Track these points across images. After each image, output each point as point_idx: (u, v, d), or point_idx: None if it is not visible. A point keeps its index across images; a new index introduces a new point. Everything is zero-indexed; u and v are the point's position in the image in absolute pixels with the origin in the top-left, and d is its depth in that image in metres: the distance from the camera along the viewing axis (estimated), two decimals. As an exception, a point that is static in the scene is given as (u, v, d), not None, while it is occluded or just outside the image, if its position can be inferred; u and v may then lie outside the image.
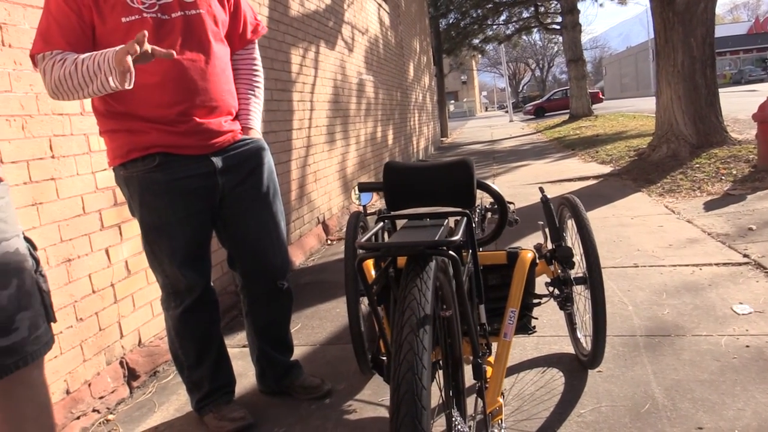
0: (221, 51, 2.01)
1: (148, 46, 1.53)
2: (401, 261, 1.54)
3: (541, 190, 2.29)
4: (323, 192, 5.64)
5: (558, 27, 21.99)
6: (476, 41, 24.43)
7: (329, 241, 5.47)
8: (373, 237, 1.40)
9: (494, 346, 1.88)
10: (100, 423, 2.35)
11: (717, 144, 7.19)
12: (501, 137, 19.27)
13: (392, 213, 1.56)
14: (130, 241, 2.69)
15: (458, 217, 1.39)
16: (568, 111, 22.74)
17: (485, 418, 1.37)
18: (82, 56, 1.69)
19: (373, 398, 2.31)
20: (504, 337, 1.57)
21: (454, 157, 1.62)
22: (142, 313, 2.76)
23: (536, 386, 2.26)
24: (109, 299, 2.54)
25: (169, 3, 1.86)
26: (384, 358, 1.71)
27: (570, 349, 2.54)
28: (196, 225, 2.01)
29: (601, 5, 24.64)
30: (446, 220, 1.47)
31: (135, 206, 1.99)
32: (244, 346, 2.82)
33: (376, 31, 8.77)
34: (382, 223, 1.51)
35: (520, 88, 75.75)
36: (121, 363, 2.57)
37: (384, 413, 2.19)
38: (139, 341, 2.73)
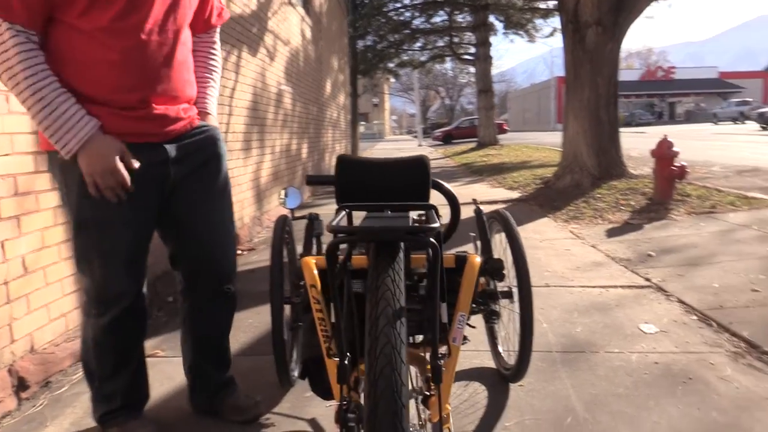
0: (187, 37, 1.88)
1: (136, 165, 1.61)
2: (356, 260, 1.48)
3: (475, 201, 2.30)
4: (236, 200, 5.45)
5: (471, 58, 22.79)
6: (391, 65, 24.83)
7: (239, 251, 5.28)
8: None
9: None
10: (-19, 437, 2.10)
11: (616, 177, 7.62)
12: (411, 160, 19.55)
13: (351, 204, 1.49)
14: (29, 236, 2.45)
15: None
16: (474, 139, 23.51)
17: (438, 424, 1.32)
18: (51, 89, 1.58)
19: (293, 411, 2.21)
20: (453, 341, 1.53)
21: (408, 155, 1.60)
22: (38, 316, 2.51)
23: (460, 400, 2.24)
24: (0, 299, 2.28)
25: None
26: (336, 358, 1.53)
27: (490, 363, 2.55)
28: (141, 222, 1.84)
29: (511, 41, 25.79)
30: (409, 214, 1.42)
31: (72, 198, 1.75)
32: (170, 357, 2.63)
33: (297, 44, 8.69)
34: (344, 212, 1.43)
35: (428, 115, 77.64)
36: (9, 371, 2.32)
37: (305, 427, 2.10)
38: (32, 348, 2.47)
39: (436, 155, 22.17)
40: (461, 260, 1.61)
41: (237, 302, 2.17)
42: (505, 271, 2.15)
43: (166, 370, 2.58)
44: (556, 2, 8.36)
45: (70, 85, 1.65)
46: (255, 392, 2.34)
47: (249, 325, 3.23)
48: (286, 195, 2.41)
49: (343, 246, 1.26)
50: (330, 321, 1.54)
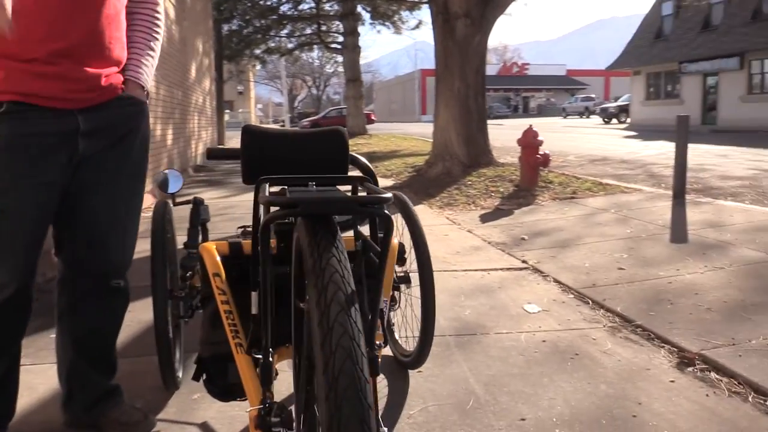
0: None
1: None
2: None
3: (374, 186, 2.22)
4: (97, 189, 4.99)
5: (339, 47, 22.77)
6: (258, 51, 24.20)
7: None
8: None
9: None
10: None
11: (484, 165, 7.93)
12: (281, 149, 19.22)
13: (273, 177, 1.33)
14: None
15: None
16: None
17: (375, 416, 1.22)
18: None
19: (181, 416, 2.01)
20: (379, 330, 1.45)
21: (325, 127, 1.48)
22: None
23: (360, 390, 2.16)
24: None
25: None
26: (254, 355, 1.33)
27: (386, 350, 2.50)
28: (42, 201, 1.56)
29: (378, 32, 26.11)
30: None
31: None
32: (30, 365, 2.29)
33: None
34: (266, 186, 1.27)
35: (296, 104, 76.75)
36: None
37: (194, 431, 1.92)
38: None
39: (305, 144, 21.96)
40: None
41: (128, 297, 1.91)
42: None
43: (26, 379, 2.24)
44: (425, -6, 8.59)
45: None
46: (135, 398, 2.11)
47: (122, 324, 2.94)
48: (165, 179, 2.20)
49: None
50: (237, 313, 1.39)
